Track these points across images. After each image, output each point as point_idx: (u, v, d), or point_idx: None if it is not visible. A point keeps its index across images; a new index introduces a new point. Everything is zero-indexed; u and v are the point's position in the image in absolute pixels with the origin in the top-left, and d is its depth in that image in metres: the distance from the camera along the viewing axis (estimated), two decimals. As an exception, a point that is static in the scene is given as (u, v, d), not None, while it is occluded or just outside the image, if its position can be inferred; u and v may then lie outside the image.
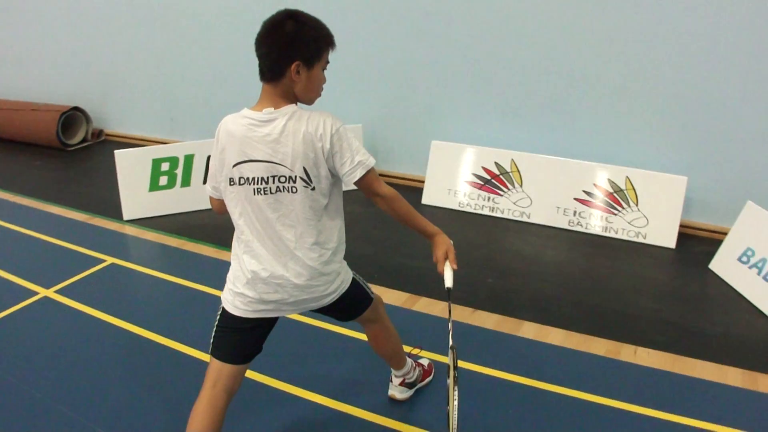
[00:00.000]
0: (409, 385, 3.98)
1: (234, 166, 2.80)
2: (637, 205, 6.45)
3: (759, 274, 5.33)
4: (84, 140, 9.58)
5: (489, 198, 6.97)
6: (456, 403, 2.79)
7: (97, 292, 5.28)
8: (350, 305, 3.31)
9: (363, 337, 4.40)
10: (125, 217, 6.72)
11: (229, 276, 3.06)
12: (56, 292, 5.27)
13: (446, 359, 4.21)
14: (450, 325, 3.12)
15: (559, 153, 6.83)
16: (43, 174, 8.48)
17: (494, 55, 6.93)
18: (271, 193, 2.79)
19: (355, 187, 2.90)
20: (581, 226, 6.63)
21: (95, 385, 4.13)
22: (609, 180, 6.56)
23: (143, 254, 6.14)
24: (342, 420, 3.84)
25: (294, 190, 2.78)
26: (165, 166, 6.79)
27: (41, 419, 3.82)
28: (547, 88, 6.84)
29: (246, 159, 2.77)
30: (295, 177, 2.76)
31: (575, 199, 6.67)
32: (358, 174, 2.81)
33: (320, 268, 2.95)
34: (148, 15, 8.82)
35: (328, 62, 2.85)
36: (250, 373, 3.92)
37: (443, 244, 3.12)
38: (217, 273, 5.41)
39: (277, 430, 3.74)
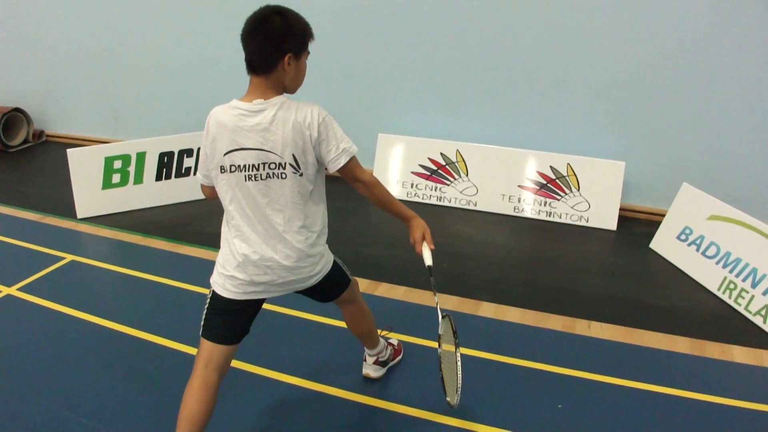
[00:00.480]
0: (382, 364, 4.17)
1: (225, 154, 2.94)
2: (578, 190, 6.75)
3: (698, 250, 5.68)
4: (25, 141, 9.43)
5: (436, 188, 7.20)
6: (460, 364, 3.02)
7: (61, 289, 5.31)
8: (331, 286, 3.49)
9: (333, 322, 4.67)
10: (79, 215, 6.71)
11: (219, 260, 3.19)
12: (19, 290, 5.27)
13: (415, 339, 4.44)
14: (436, 298, 3.35)
15: (503, 143, 7.10)
16: (-14, 175, 8.37)
17: (437, 50, 7.15)
18: (261, 179, 2.95)
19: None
20: (526, 212, 6.91)
21: (71, 376, 4.20)
22: (551, 167, 6.85)
23: (101, 251, 6.16)
24: (320, 399, 4.00)
25: (284, 176, 2.94)
26: (117, 164, 6.81)
27: (21, 411, 3.89)
28: (488, 81, 7.10)
29: (237, 147, 2.92)
30: (285, 164, 2.92)
31: (519, 186, 6.95)
32: (343, 161, 3.01)
33: (307, 250, 3.11)
34: (89, 15, 8.76)
35: (309, 52, 3.04)
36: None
37: (420, 226, 3.33)
38: (174, 266, 5.66)
39: (258, 412, 3.88)
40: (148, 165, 6.96)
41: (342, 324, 4.19)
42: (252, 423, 3.80)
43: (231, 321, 3.20)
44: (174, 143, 7.04)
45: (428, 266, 3.32)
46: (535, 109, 7.03)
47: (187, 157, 7.07)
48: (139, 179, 6.94)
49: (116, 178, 6.84)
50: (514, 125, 7.15)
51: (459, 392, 3.11)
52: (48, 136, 9.73)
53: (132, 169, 6.89)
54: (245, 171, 2.93)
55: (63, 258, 5.82)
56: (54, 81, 9.45)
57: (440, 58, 7.19)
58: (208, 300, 3.22)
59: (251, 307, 3.24)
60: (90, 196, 6.75)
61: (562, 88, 6.84)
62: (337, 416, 3.89)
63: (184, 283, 5.36)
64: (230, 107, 2.94)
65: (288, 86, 3.00)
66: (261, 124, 2.89)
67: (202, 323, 3.19)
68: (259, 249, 3.05)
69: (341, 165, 3.02)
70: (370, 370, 4.14)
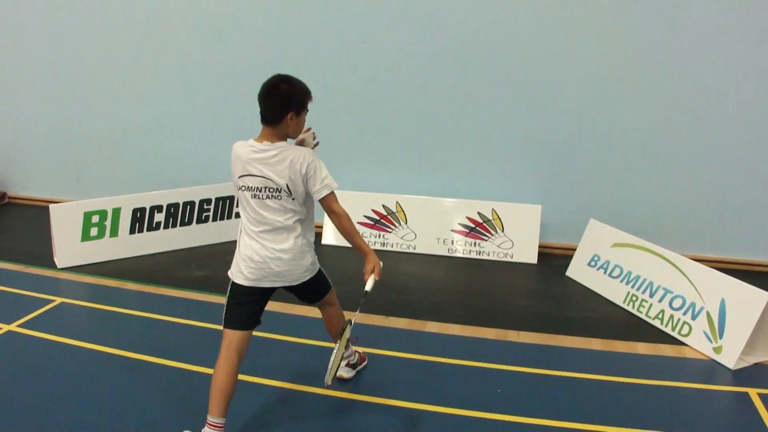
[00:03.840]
0: (353, 366, 5.04)
1: (239, 177, 3.94)
2: (503, 231, 7.80)
3: (605, 273, 6.76)
4: (-12, 203, 9.92)
5: (380, 235, 8.15)
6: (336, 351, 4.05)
7: (59, 324, 5.97)
8: (317, 287, 4.42)
9: (304, 341, 5.56)
10: (59, 265, 7.34)
11: (236, 257, 4.11)
12: (19, 326, 5.86)
13: (374, 350, 5.34)
14: (358, 312, 4.29)
15: (436, 194, 8.15)
16: (-45, 236, 8.83)
17: (374, 116, 8.24)
18: (262, 198, 3.93)
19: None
20: (459, 252, 7.91)
21: (85, 390, 4.88)
22: (478, 212, 7.89)
23: (87, 293, 6.79)
24: (302, 397, 4.81)
25: (279, 197, 3.92)
26: (95, 219, 7.52)
27: (49, 420, 4.55)
28: (421, 142, 8.22)
29: (247, 173, 3.91)
30: (281, 189, 3.90)
31: (452, 230, 7.96)
32: (324, 193, 3.98)
33: (299, 249, 4.06)
34: (51, 81, 9.39)
35: (308, 110, 4.03)
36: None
37: (373, 261, 4.21)
38: (154, 303, 6.48)
39: (250, 412, 4.61)
40: (123, 219, 7.70)
41: (312, 342, 5.31)
42: (248, 418, 4.54)
43: (245, 311, 4.10)
44: (145, 200, 7.82)
45: (366, 291, 4.19)
46: (462, 164, 8.15)
47: (157, 212, 7.85)
48: (114, 232, 7.66)
49: (94, 231, 7.54)
50: (445, 178, 8.24)
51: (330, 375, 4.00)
52: (10, 198, 10.19)
53: (108, 223, 7.61)
54: (251, 191, 3.92)
55: (53, 300, 6.43)
56: (16, 145, 9.94)
57: (377, 124, 8.29)
58: (228, 295, 4.12)
59: (261, 300, 4.16)
60: (69, 247, 7.41)
61: (485, 145, 7.98)
62: (320, 409, 4.71)
63: (164, 315, 6.12)
64: (246, 144, 3.93)
65: (290, 135, 4.00)
66: (265, 160, 3.87)
67: (224, 317, 4.10)
68: (263, 247, 3.99)
69: (322, 196, 3.98)
70: (343, 371, 4.98)
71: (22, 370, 5.16)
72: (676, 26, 7.09)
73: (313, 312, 5.75)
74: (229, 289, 4.15)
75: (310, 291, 4.42)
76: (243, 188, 3.95)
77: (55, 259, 7.46)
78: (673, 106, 7.31)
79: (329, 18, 8.09)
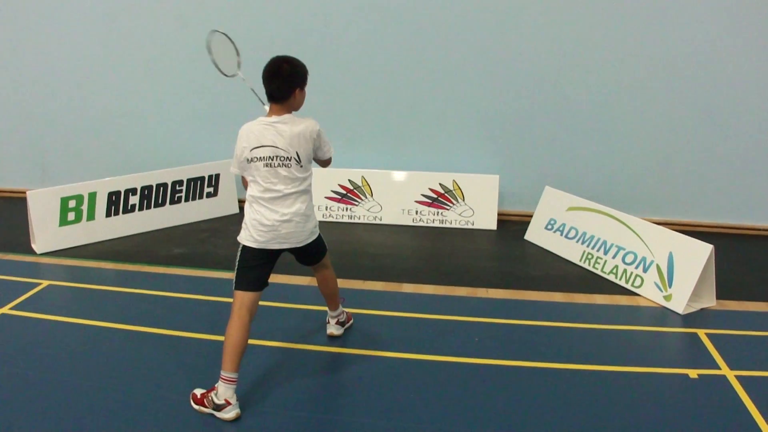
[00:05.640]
0: (341, 324, 5.50)
1: (251, 150, 4.30)
2: (464, 200, 8.32)
3: (562, 235, 7.33)
4: (-49, 196, 9.94)
5: (347, 208, 8.60)
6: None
7: (51, 304, 6.23)
8: (317, 250, 4.84)
9: (297, 306, 6.00)
10: (38, 250, 7.55)
11: (246, 222, 4.48)
12: (12, 309, 6.09)
13: (356, 310, 5.77)
14: None
15: (399, 167, 8.62)
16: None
17: (338, 94, 8.62)
18: (273, 167, 4.31)
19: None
20: (423, 221, 8.41)
21: (95, 359, 5.25)
22: (440, 184, 8.38)
23: (72, 275, 7.04)
24: (300, 354, 5.26)
25: (289, 165, 4.33)
26: (72, 203, 7.77)
27: (62, 390, 4.94)
28: (384, 119, 8.68)
29: (259, 145, 4.29)
30: (290, 157, 4.32)
31: (416, 201, 8.45)
32: (328, 156, 4.66)
33: (305, 213, 4.50)
34: (12, 72, 9.49)
35: (306, 83, 4.45)
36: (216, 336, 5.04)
37: None
38: (137, 281, 6.80)
39: (255, 370, 5.00)
40: (99, 203, 7.95)
41: (304, 306, 5.82)
42: (255, 375, 4.94)
43: (255, 273, 4.48)
44: (120, 183, 8.10)
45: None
46: (423, 139, 8.65)
47: (132, 195, 8.15)
48: (91, 216, 7.91)
49: (71, 216, 7.77)
50: (407, 152, 8.73)
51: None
52: (-28, 189, 10.20)
53: (84, 207, 7.84)
54: (263, 161, 4.30)
55: (39, 283, 6.65)
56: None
57: (340, 104, 8.68)
58: (238, 258, 4.50)
59: (269, 262, 4.55)
60: (48, 232, 7.62)
61: (444, 121, 8.48)
62: (316, 363, 5.18)
63: (151, 290, 6.45)
64: (256, 121, 4.34)
65: (295, 107, 4.42)
66: (277, 131, 4.29)
67: (234, 280, 4.49)
68: (273, 212, 4.38)
69: (326, 158, 4.67)
70: (334, 329, 5.45)
71: (26, 347, 5.40)
72: (624, 5, 7.66)
73: (301, 281, 6.43)
74: (239, 254, 4.51)
75: (311, 253, 4.83)
76: (255, 159, 4.29)
77: (33, 246, 7.62)
78: (619, 81, 7.91)
79: (291, 1, 8.46)
